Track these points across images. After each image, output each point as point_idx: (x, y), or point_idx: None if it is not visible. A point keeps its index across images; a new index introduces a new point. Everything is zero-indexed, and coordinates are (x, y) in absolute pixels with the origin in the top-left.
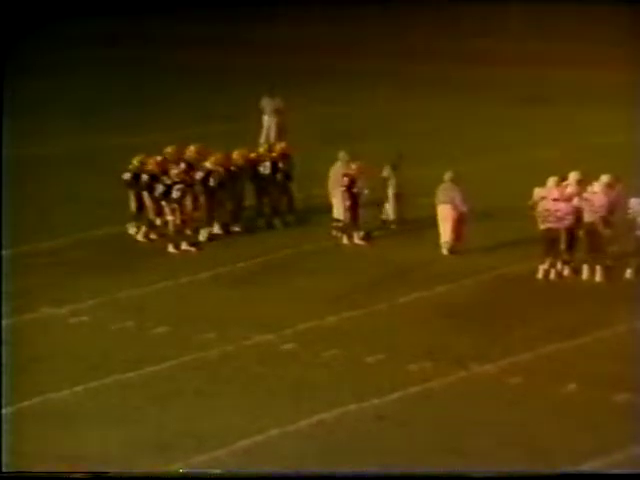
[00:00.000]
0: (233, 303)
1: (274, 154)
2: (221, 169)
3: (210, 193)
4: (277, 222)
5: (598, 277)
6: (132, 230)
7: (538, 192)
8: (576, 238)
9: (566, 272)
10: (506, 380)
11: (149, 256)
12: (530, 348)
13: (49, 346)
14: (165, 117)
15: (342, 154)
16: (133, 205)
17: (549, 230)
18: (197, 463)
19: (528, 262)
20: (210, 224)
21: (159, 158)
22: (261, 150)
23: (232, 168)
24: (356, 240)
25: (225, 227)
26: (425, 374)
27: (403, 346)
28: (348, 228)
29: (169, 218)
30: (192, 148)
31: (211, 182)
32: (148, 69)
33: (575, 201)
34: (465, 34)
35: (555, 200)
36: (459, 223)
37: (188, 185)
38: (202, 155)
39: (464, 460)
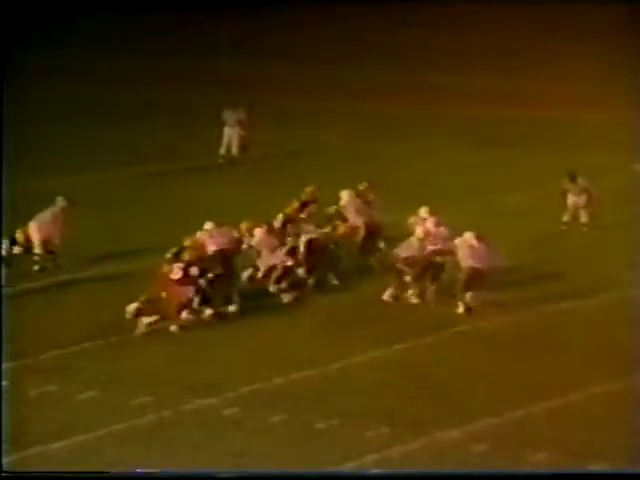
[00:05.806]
0: (170, 363)
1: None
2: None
3: None
4: None
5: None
6: None
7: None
8: None
9: None
10: (471, 447)
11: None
12: (497, 412)
13: None
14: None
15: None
16: None
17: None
18: None
19: (492, 316)
20: None
21: None
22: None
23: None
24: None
25: None
26: (383, 441)
27: (358, 410)
28: None
29: None
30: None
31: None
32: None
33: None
34: (428, 71)
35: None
36: None
37: None
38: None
39: None
